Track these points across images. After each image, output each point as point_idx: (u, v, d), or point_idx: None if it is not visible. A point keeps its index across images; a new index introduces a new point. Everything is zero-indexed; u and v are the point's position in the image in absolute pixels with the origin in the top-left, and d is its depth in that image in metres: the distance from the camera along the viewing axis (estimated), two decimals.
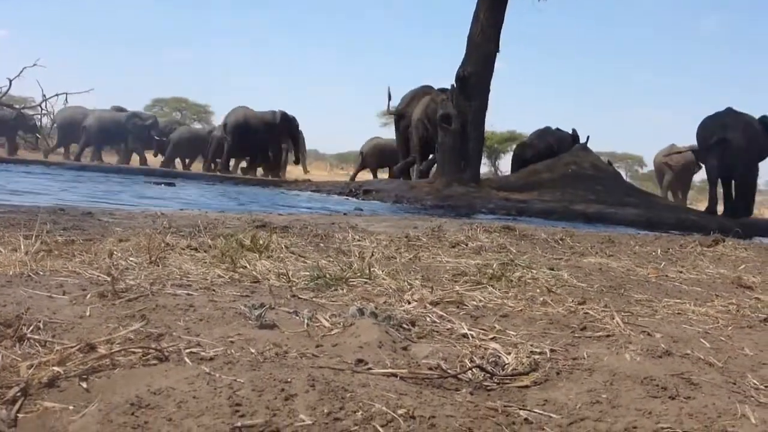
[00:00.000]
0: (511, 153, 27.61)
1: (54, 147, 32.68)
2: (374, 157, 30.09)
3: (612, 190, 20.50)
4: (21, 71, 28.92)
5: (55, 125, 33.18)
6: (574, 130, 25.03)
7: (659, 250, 6.00)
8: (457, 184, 19.21)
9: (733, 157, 18.23)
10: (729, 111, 18.91)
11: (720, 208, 19.43)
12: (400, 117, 25.56)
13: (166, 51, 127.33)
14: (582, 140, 24.28)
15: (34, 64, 29.08)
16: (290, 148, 30.10)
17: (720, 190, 19.48)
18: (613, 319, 2.94)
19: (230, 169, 29.62)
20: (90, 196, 11.81)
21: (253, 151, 28.55)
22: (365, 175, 29.54)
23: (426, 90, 25.00)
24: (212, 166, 30.16)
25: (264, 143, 28.00)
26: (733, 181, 19.14)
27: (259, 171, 29.24)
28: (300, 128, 29.60)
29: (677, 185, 30.52)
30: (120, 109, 33.09)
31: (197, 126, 33.22)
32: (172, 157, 32.51)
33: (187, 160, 33.14)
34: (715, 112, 19.20)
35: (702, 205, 24.28)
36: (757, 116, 18.93)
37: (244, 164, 29.94)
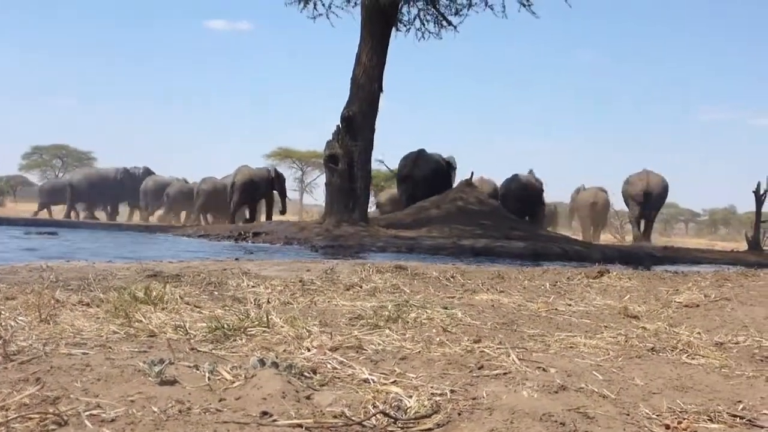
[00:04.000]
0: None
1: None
2: None
3: (498, 224, 21.04)
4: None
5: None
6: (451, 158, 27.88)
7: (548, 284, 6.17)
8: (347, 223, 19.33)
9: (654, 204, 29.72)
10: (648, 171, 30.01)
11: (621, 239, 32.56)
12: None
13: (46, 99, 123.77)
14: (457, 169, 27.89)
15: None
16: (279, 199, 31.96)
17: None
18: (509, 356, 3.03)
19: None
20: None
21: (255, 203, 30.81)
22: None
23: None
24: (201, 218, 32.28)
25: (265, 196, 30.30)
26: (645, 219, 30.08)
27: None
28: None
29: (593, 222, 35.69)
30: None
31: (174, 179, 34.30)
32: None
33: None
34: (638, 172, 30.35)
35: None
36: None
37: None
